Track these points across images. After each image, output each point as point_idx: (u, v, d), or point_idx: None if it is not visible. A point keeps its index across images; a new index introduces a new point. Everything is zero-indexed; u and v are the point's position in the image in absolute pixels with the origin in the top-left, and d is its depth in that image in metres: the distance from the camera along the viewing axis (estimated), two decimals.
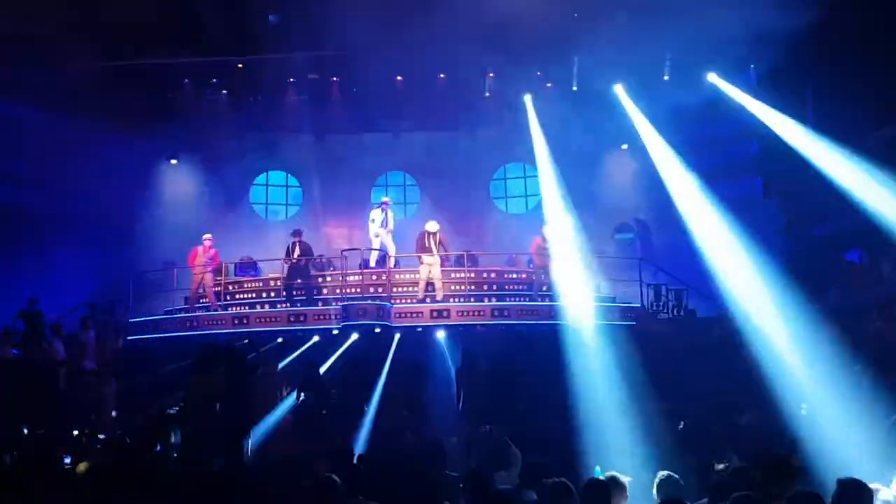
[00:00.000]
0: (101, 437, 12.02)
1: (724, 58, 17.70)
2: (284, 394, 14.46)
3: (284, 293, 16.24)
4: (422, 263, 15.77)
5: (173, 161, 20.48)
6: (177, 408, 5.46)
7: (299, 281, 16.28)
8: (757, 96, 18.35)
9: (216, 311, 16.19)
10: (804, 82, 17.54)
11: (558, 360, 13.62)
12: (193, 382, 10.21)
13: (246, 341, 14.81)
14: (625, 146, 20.62)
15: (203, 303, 16.86)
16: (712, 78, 18.36)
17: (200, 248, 16.70)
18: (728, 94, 18.29)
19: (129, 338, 16.36)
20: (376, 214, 17.23)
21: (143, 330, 16.33)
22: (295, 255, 16.47)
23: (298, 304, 15.85)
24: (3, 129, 16.81)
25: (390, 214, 17.31)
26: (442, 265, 15.97)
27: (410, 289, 16.18)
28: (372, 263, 16.81)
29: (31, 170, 17.70)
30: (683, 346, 15.12)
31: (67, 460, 6.66)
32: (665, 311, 16.69)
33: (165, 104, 18.98)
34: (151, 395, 13.90)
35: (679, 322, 16.25)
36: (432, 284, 15.67)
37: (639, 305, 16.30)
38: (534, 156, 20.63)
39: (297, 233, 17.02)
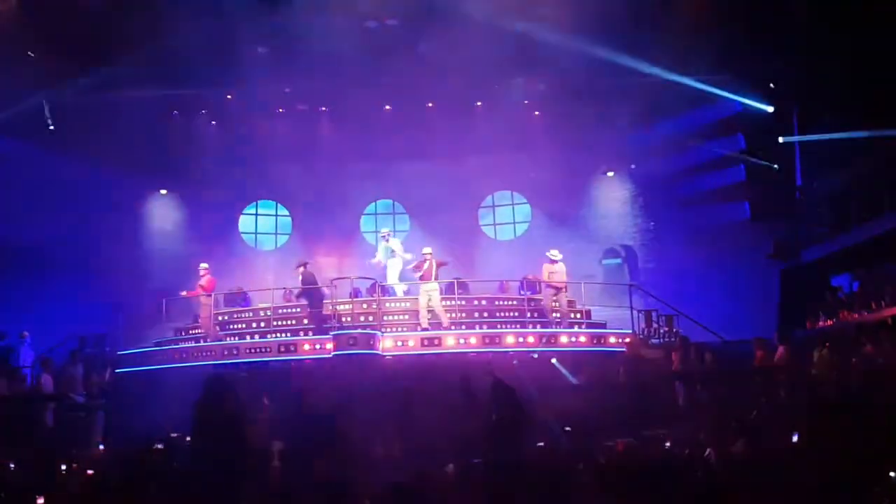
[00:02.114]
0: (89, 472, 11.90)
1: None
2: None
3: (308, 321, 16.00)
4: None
5: (163, 191, 20.44)
6: (163, 443, 5.38)
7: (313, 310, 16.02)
8: (742, 121, 18.64)
9: (218, 341, 16.01)
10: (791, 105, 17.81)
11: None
12: (200, 414, 10.15)
13: (244, 374, 14.66)
14: (611, 173, 20.81)
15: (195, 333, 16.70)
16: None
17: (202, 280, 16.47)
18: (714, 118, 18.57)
19: (118, 370, 16.19)
20: (381, 248, 17.24)
21: (132, 362, 16.19)
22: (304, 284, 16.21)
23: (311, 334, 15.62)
24: None
25: (392, 243, 17.17)
26: None
27: (400, 317, 16.12)
28: (399, 293, 16.75)
29: (19, 201, 17.64)
30: (676, 371, 15.11)
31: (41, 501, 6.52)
32: (656, 336, 16.69)
33: (155, 135, 19.01)
34: (140, 428, 13.74)
35: (671, 348, 16.22)
36: (432, 312, 15.56)
37: (630, 331, 16.29)
38: (521, 183, 20.82)
39: (304, 263, 16.79)
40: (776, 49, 16.75)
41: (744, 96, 18.50)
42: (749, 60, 17.36)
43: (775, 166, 18.35)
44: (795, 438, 9.64)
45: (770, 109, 18.32)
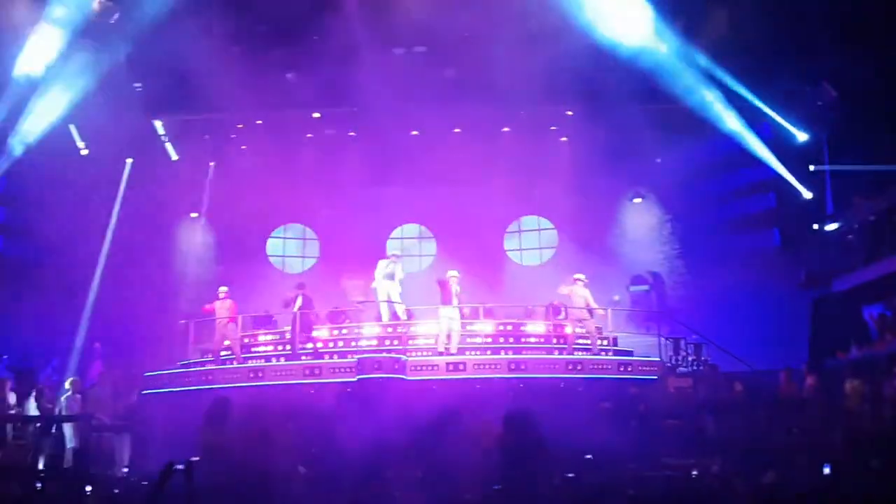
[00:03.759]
0: (116, 491, 11.96)
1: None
2: None
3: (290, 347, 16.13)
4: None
5: (194, 214, 20.68)
6: (184, 463, 5.38)
7: (304, 334, 16.12)
8: (773, 149, 18.47)
9: (242, 363, 16.08)
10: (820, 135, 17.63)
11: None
12: (206, 436, 10.15)
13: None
14: (639, 199, 20.69)
15: (225, 355, 16.77)
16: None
17: (218, 303, 16.58)
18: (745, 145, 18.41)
19: (144, 391, 16.29)
20: (381, 265, 17.02)
21: (158, 384, 16.27)
22: (297, 308, 16.29)
23: (304, 358, 15.70)
24: (23, 185, 17.10)
25: (398, 268, 17.07)
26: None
27: (425, 341, 16.07)
28: (385, 318, 16.60)
29: (50, 224, 17.91)
30: (704, 400, 14.90)
31: None
32: (684, 365, 16.46)
33: (187, 158, 19.32)
34: (164, 449, 13.79)
35: (700, 376, 15.98)
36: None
37: (658, 359, 16.08)
38: (548, 208, 20.77)
39: (301, 285, 16.91)
40: (808, 75, 16.64)
41: (774, 123, 18.37)
42: (781, 87, 17.26)
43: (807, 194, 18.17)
44: (827, 471, 9.44)
45: (802, 137, 18.14)
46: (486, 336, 16.21)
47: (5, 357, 16.39)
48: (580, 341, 15.88)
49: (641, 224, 20.79)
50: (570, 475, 10.93)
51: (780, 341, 16.85)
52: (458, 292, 15.52)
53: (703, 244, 19.19)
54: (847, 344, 14.66)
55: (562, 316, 16.40)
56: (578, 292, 15.70)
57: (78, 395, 14.92)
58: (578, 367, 15.11)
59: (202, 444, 10.41)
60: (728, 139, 18.76)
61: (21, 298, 16.73)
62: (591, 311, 15.84)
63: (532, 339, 16.40)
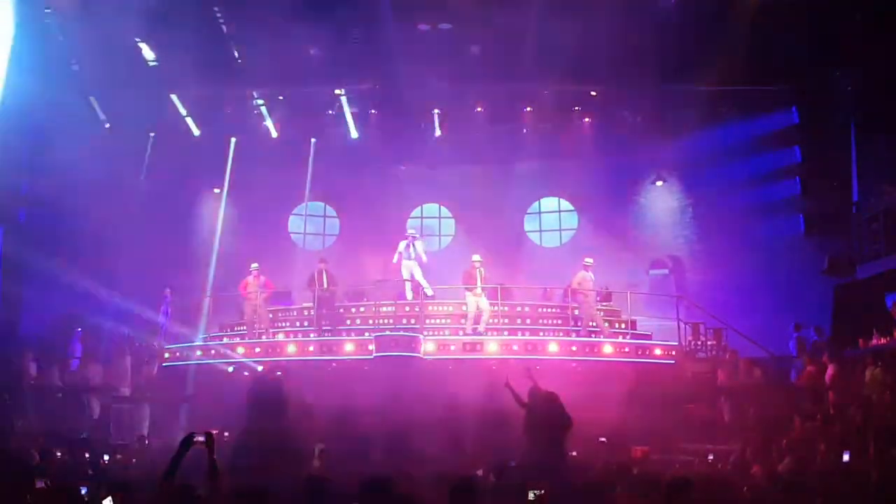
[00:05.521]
0: (134, 461, 12.13)
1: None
2: None
3: (314, 323, 16.23)
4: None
5: (216, 190, 20.79)
6: (203, 435, 5.40)
7: (324, 311, 16.23)
8: (800, 133, 18.23)
9: (271, 338, 16.21)
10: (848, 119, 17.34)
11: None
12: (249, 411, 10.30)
13: (279, 373, 14.77)
14: (661, 183, 20.50)
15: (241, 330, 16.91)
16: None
17: (251, 278, 16.72)
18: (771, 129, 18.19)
19: (165, 364, 16.46)
20: (401, 246, 17.01)
21: (179, 356, 16.43)
22: (323, 284, 16.40)
23: (325, 335, 15.81)
24: (45, 158, 17.21)
25: (417, 247, 17.02)
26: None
27: (442, 321, 16.11)
28: (409, 296, 16.65)
29: (78, 197, 18.04)
30: (723, 386, 14.85)
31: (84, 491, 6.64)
32: (703, 350, 16.39)
33: (211, 133, 19.37)
34: (185, 421, 13.97)
35: (719, 362, 15.90)
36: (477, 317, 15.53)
37: (676, 343, 16.01)
38: (569, 190, 20.63)
39: (323, 260, 16.98)
40: (836, 61, 16.36)
41: (801, 107, 18.11)
42: (808, 72, 17.00)
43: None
44: (846, 458, 9.37)
45: (828, 122, 17.85)
46: (504, 317, 16.21)
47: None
48: (592, 324, 15.85)
49: (663, 207, 20.60)
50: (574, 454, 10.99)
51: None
52: (483, 275, 15.56)
53: (725, 229, 18.97)
54: (869, 332, 14.51)
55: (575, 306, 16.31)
56: (588, 277, 15.73)
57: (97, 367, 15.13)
58: (595, 350, 15.10)
59: (246, 418, 10.58)
60: (753, 122, 18.56)
61: (38, 272, 16.94)
62: (601, 294, 15.85)
63: (549, 321, 16.41)
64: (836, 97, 17.41)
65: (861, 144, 17.18)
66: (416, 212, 22.51)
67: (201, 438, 5.47)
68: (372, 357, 14.69)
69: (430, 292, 16.44)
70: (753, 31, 15.70)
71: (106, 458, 12.14)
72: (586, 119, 19.72)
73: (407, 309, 16.27)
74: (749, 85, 17.65)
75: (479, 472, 8.86)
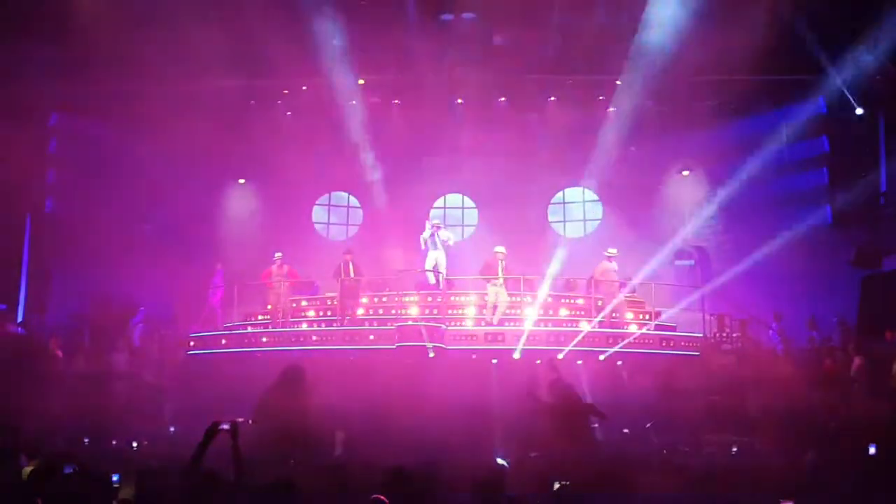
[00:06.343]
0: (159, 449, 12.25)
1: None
2: None
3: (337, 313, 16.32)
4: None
5: (241, 181, 20.87)
6: (228, 424, 5.44)
7: (349, 301, 16.30)
8: (828, 124, 17.99)
9: (290, 328, 16.33)
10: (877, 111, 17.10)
11: None
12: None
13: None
14: (686, 173, 20.32)
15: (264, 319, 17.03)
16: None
17: (274, 267, 16.86)
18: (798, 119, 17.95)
19: (190, 352, 16.62)
20: (425, 234, 16.98)
21: (204, 344, 16.59)
22: (350, 274, 16.47)
23: (348, 324, 15.88)
24: (83, 149, 17.38)
25: (443, 234, 16.98)
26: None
27: (465, 311, 16.13)
28: (432, 280, 16.68)
29: (102, 186, 18.22)
30: (748, 378, 14.72)
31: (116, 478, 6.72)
32: (728, 341, 16.25)
33: (234, 125, 19.45)
34: (210, 410, 14.06)
35: (743, 354, 15.77)
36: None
37: (701, 335, 15.90)
38: (593, 180, 20.53)
39: (350, 251, 17.04)
40: (866, 50, 16.11)
41: (830, 97, 17.86)
42: (838, 61, 16.76)
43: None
44: (873, 451, 9.29)
45: (858, 112, 17.58)
46: (526, 307, 16.17)
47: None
48: (615, 315, 15.78)
49: (688, 198, 20.43)
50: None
51: (828, 320, 16.58)
52: (505, 267, 15.55)
53: (751, 220, 18.79)
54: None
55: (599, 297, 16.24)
56: (611, 267, 15.66)
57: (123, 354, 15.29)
58: (619, 341, 15.03)
59: (266, 405, 10.65)
60: (781, 112, 18.33)
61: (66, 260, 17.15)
62: (622, 285, 15.78)
63: (572, 312, 16.36)
64: (865, 87, 17.17)
65: (889, 135, 16.94)
66: (439, 202, 22.50)
67: (226, 427, 5.52)
68: (394, 347, 14.74)
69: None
70: (781, 21, 15.50)
71: (135, 445, 12.28)
72: (611, 108, 19.57)
73: (429, 299, 16.29)
74: (777, 75, 17.43)
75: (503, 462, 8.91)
